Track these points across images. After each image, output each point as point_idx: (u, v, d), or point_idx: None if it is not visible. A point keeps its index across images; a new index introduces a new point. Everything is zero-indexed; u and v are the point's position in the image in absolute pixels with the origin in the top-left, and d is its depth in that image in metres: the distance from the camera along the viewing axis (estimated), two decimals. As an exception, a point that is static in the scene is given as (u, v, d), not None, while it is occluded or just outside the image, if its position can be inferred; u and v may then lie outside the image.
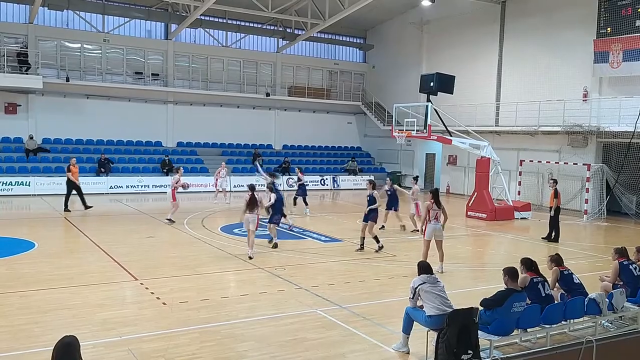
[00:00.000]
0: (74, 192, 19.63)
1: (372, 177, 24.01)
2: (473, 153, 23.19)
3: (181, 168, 19.12)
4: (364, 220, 13.66)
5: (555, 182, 16.91)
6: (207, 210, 20.45)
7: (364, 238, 13.72)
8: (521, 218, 21.09)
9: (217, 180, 23.65)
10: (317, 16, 29.94)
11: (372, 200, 13.58)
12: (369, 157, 36.16)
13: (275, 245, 13.80)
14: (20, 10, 27.21)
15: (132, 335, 7.59)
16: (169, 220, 17.36)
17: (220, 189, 23.53)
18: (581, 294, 8.11)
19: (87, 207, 19.47)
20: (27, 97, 26.88)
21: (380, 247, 13.66)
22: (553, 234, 16.37)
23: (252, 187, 12.80)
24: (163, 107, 30.38)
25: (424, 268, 7.43)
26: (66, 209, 19.29)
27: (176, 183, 17.62)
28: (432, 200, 11.71)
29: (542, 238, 16.56)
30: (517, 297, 7.19)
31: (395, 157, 34.10)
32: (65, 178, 20.09)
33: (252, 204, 12.45)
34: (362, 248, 13.71)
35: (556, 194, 16.44)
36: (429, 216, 11.68)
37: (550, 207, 16.53)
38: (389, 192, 17.12)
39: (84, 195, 19.86)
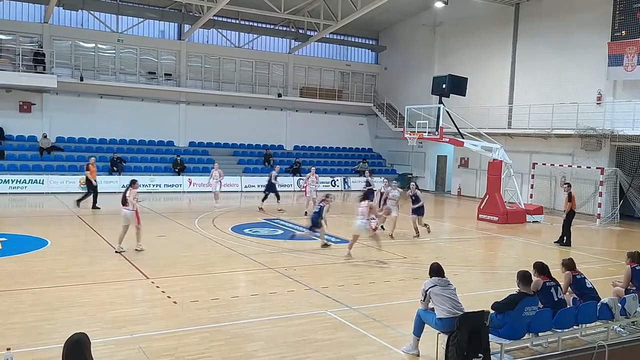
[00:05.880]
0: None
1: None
2: (485, 155, 23.05)
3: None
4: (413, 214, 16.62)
5: (569, 185, 16.76)
6: (218, 210, 20.51)
7: (416, 229, 16.67)
8: (533, 221, 20.95)
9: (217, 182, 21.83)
10: (330, 17, 29.93)
11: (416, 199, 16.56)
12: (380, 158, 36.08)
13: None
14: (36, 10, 27.50)
15: (142, 334, 7.63)
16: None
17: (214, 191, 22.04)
18: (593, 298, 8.04)
19: (95, 207, 19.94)
20: (42, 96, 27.15)
21: (429, 231, 16.96)
22: (565, 238, 16.25)
23: (132, 182, 13.20)
24: (175, 107, 30.54)
25: (435, 270, 7.37)
26: (78, 205, 20.00)
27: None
28: None
29: (555, 242, 16.44)
30: (529, 301, 7.13)
31: (407, 159, 33.99)
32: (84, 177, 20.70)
33: (124, 198, 12.86)
34: (417, 235, 16.65)
35: (569, 198, 16.31)
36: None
37: (564, 211, 16.41)
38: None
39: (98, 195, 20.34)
